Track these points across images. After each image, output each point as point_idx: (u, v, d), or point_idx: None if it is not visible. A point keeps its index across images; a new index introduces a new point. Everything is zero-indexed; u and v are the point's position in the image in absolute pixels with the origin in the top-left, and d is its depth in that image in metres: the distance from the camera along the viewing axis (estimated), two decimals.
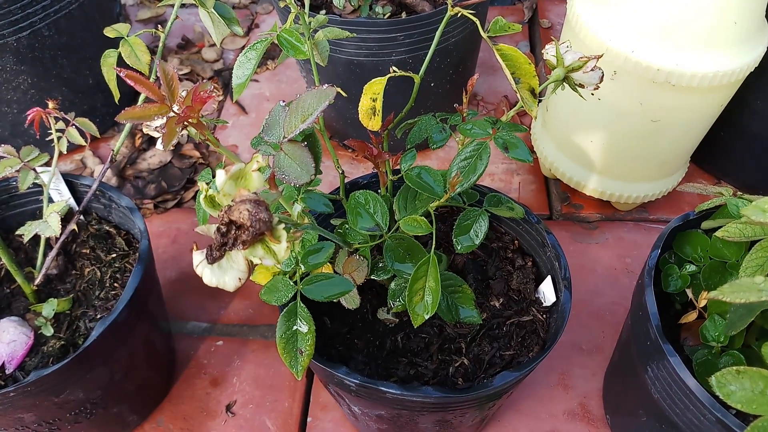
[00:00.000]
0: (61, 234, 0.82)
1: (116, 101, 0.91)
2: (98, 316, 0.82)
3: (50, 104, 0.81)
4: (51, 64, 1.14)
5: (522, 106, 0.60)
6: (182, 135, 1.33)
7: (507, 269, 0.82)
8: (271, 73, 1.46)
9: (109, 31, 0.83)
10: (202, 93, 0.50)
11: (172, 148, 1.27)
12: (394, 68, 0.66)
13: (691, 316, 0.72)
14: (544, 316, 0.77)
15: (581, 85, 0.64)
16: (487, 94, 1.38)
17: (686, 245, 0.76)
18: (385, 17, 1.06)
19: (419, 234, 0.63)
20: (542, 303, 0.78)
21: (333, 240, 0.68)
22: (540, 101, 1.29)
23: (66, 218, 0.88)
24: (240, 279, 0.46)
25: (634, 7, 0.85)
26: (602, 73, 0.63)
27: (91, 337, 0.71)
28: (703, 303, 0.71)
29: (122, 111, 0.48)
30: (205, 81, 0.52)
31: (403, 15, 1.10)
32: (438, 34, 0.66)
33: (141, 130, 1.36)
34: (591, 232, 1.11)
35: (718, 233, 0.70)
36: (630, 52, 0.86)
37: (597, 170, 1.04)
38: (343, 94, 0.72)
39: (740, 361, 0.66)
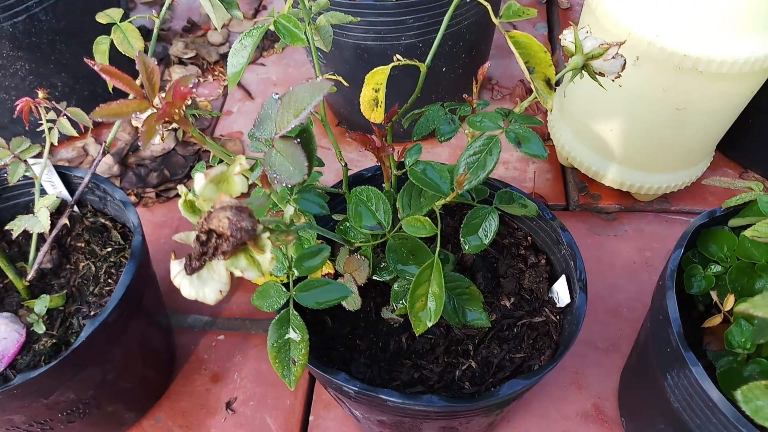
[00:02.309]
0: (52, 228, 0.79)
1: (110, 90, 0.87)
2: (92, 313, 0.79)
3: (40, 94, 0.78)
4: (49, 50, 1.10)
5: (536, 97, 0.55)
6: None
7: (519, 267, 0.77)
8: (279, 56, 1.41)
9: (102, 17, 0.79)
10: (182, 88, 0.46)
11: (160, 142, 1.24)
12: (398, 56, 0.61)
13: (716, 320, 0.67)
14: (558, 317, 0.73)
15: (601, 74, 0.59)
16: (502, 78, 1.33)
17: (712, 244, 0.71)
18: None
19: (422, 236, 0.59)
20: (556, 303, 0.73)
21: (333, 239, 0.64)
22: (557, 88, 1.24)
23: (60, 211, 0.84)
24: (221, 292, 0.42)
25: None
26: (624, 60, 0.58)
27: (80, 339, 0.68)
28: (729, 307, 0.66)
29: (98, 107, 0.45)
30: (187, 75, 0.48)
31: None
32: (447, 17, 0.61)
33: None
34: (609, 223, 1.06)
35: (747, 232, 0.65)
36: (654, 37, 0.80)
37: (617, 160, 0.99)
38: (345, 83, 0.68)
39: (767, 370, 0.61)
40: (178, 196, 1.16)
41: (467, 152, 0.58)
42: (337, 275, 0.69)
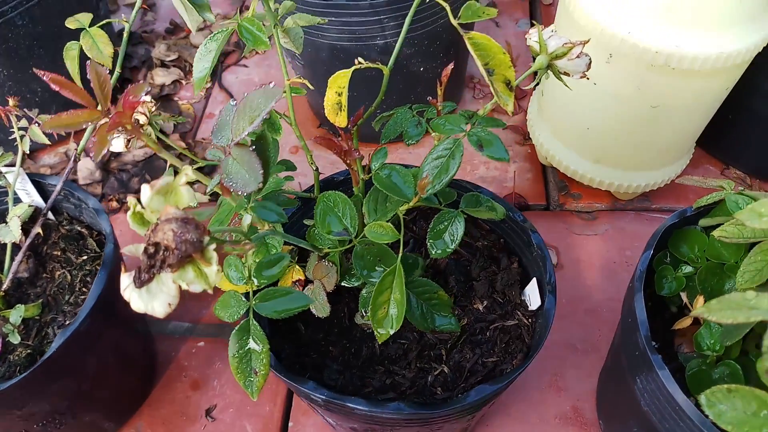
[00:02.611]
0: (26, 237, 0.79)
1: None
2: (67, 322, 0.79)
3: (10, 102, 0.78)
4: (27, 55, 1.10)
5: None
6: (169, 125, 1.29)
7: (492, 270, 0.77)
8: (261, 57, 1.41)
9: (71, 22, 0.79)
10: (131, 97, 0.46)
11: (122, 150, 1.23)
12: (359, 59, 0.60)
13: (686, 322, 0.67)
14: (530, 320, 0.73)
15: (566, 74, 0.59)
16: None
17: (683, 244, 0.71)
18: None
19: (386, 242, 0.59)
20: (528, 306, 0.73)
21: (300, 245, 0.64)
22: (536, 87, 1.23)
23: (34, 219, 0.84)
24: (170, 305, 0.42)
25: None
26: (589, 59, 0.57)
27: (51, 350, 0.68)
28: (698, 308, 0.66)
29: (51, 117, 0.45)
30: (140, 82, 0.47)
31: None
32: (407, 20, 0.61)
33: None
34: (590, 222, 1.05)
35: (715, 233, 0.65)
36: (626, 34, 0.80)
37: (594, 159, 0.98)
38: (310, 86, 0.67)
39: (736, 372, 0.61)
40: None
41: (431, 156, 0.57)
42: (308, 281, 0.69)
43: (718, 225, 0.68)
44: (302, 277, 0.69)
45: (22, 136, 0.79)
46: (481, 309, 0.74)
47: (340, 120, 0.64)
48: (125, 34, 0.78)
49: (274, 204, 0.55)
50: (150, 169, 1.19)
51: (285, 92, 0.69)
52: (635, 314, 0.63)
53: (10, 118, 0.77)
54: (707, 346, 0.63)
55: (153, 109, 0.63)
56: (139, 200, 0.44)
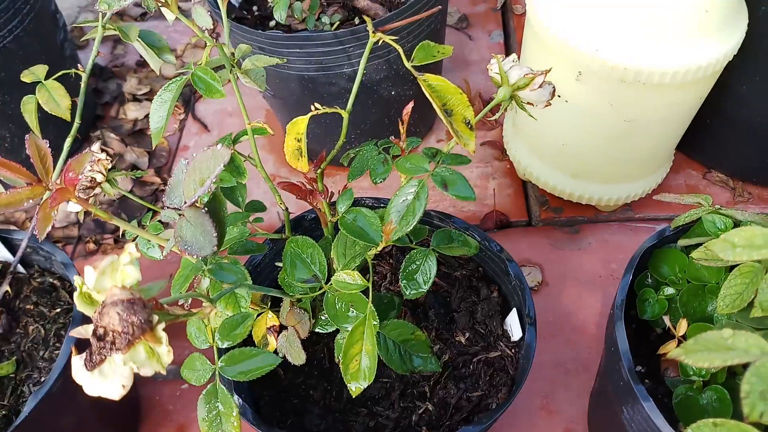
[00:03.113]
0: None
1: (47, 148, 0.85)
2: (42, 379, 0.77)
3: None
4: None
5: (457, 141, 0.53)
6: (143, 159, 1.27)
7: (472, 300, 0.75)
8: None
9: (26, 76, 0.77)
10: (71, 174, 0.45)
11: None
12: (316, 105, 0.59)
13: (670, 346, 0.65)
14: (513, 350, 0.71)
15: (530, 103, 0.57)
16: None
17: (663, 265, 0.69)
18: (334, 27, 0.99)
19: (354, 291, 0.57)
20: (510, 337, 0.72)
21: (270, 293, 0.63)
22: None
23: (2, 274, 0.82)
24: (124, 386, 0.40)
25: (595, 1, 0.78)
26: (553, 88, 0.56)
27: (22, 415, 0.66)
28: (682, 332, 0.64)
29: None
30: (80, 156, 0.46)
31: (356, 21, 1.02)
32: (363, 62, 0.59)
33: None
34: (573, 236, 1.04)
35: (694, 254, 0.63)
36: (594, 52, 0.78)
37: (572, 174, 0.97)
38: (270, 131, 0.66)
39: (724, 398, 0.60)
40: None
41: (396, 199, 0.56)
42: (282, 327, 0.67)
43: (699, 244, 0.67)
44: (276, 323, 0.67)
45: None
46: (463, 341, 0.73)
47: (302, 165, 0.62)
48: (83, 84, 0.76)
49: (233, 265, 0.53)
50: (125, 207, 1.18)
51: (247, 134, 0.68)
52: (617, 344, 0.62)
53: None
54: (693, 371, 0.61)
55: (109, 166, 0.61)
56: (82, 281, 0.43)
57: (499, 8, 1.45)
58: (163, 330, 0.40)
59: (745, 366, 0.64)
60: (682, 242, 0.69)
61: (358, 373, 0.54)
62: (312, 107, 0.59)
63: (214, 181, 0.45)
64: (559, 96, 0.87)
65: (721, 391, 0.60)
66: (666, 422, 0.56)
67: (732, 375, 0.63)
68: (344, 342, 0.54)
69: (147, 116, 1.34)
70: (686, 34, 0.76)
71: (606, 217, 1.05)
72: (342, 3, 1.04)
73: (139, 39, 0.84)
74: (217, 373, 0.52)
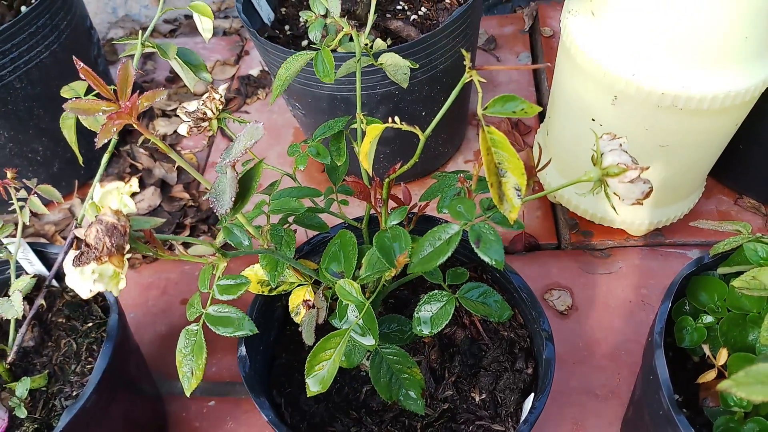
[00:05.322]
0: (30, 306, 0.78)
1: (80, 163, 0.87)
2: (74, 393, 0.77)
3: (9, 174, 0.77)
4: (27, 116, 1.10)
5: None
6: (172, 175, 1.28)
7: (505, 366, 0.72)
8: (262, 103, 1.40)
9: (66, 92, 0.79)
10: (138, 101, 0.48)
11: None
12: (396, 119, 0.58)
13: (710, 376, 0.64)
14: None
15: (616, 194, 0.52)
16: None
17: (701, 293, 0.68)
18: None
19: (350, 302, 0.58)
20: (519, 419, 0.69)
21: (301, 270, 0.67)
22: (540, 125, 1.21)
23: (38, 287, 0.83)
24: (90, 291, 0.45)
25: (632, 25, 0.78)
26: (649, 188, 0.50)
27: (56, 429, 0.66)
28: (722, 361, 0.63)
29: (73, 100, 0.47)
30: (160, 89, 0.50)
31: (388, 42, 1.03)
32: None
33: (129, 173, 1.32)
34: (603, 260, 1.03)
35: (735, 283, 0.62)
36: (630, 77, 0.78)
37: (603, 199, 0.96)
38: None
39: (766, 430, 0.59)
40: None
41: (434, 234, 0.56)
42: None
43: (738, 273, 0.66)
44: (312, 299, 0.68)
45: (21, 207, 0.78)
46: (477, 400, 0.70)
47: (367, 165, 0.63)
48: None
49: (241, 230, 0.59)
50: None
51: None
52: (657, 372, 0.61)
53: (8, 190, 0.77)
54: (735, 402, 0.60)
55: (221, 107, 0.64)
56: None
57: (527, 30, 1.45)
58: (131, 259, 0.45)
59: None
60: (722, 270, 0.68)
61: (316, 378, 0.56)
62: (389, 119, 0.58)
63: (248, 147, 0.51)
64: (593, 120, 0.87)
65: (763, 423, 0.59)
66: None
67: None
68: (320, 342, 0.56)
69: (176, 131, 1.35)
70: (725, 60, 0.76)
71: (636, 241, 1.04)
72: (374, 24, 1.05)
73: (177, 57, 0.86)
74: (203, 318, 0.58)
